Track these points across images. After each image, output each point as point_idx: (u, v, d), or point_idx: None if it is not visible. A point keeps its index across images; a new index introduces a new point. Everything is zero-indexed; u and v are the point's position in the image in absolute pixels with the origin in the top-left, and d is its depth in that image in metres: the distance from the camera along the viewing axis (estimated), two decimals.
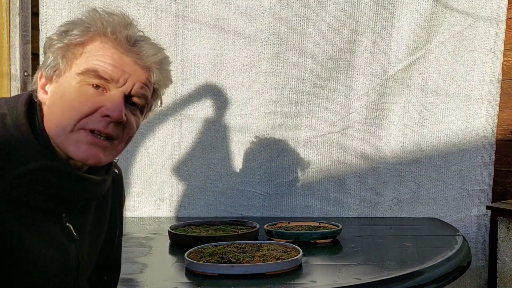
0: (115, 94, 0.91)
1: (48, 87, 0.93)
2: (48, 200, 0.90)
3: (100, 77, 0.89)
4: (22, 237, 0.87)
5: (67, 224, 0.95)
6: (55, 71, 0.92)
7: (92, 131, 0.90)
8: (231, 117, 2.59)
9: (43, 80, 0.94)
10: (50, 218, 0.93)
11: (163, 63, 0.98)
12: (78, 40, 0.91)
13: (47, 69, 0.93)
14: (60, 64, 0.91)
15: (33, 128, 0.90)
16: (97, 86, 0.90)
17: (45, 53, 0.95)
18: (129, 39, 0.93)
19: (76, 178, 0.93)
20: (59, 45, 0.91)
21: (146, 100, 0.97)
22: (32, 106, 0.93)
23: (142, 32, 0.97)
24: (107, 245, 1.13)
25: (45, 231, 0.92)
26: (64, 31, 0.92)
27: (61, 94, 0.91)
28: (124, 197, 1.22)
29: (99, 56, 0.90)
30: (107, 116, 0.90)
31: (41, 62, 0.97)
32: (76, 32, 0.91)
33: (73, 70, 0.91)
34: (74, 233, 0.97)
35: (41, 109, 0.93)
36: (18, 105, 0.91)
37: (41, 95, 0.93)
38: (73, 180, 0.92)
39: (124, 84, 0.92)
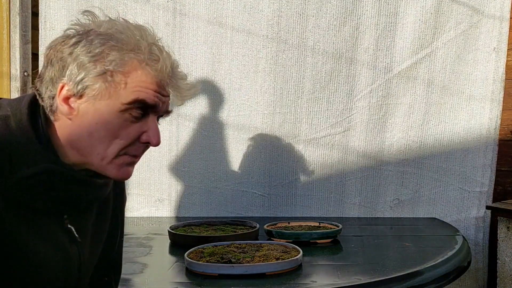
0: (152, 120, 0.94)
1: (75, 103, 0.90)
2: (50, 202, 0.90)
3: (145, 107, 0.91)
4: (23, 238, 0.87)
5: (69, 226, 0.96)
6: (86, 89, 0.89)
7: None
8: (230, 117, 2.58)
9: (67, 92, 0.90)
10: (51, 220, 0.93)
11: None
12: (119, 69, 0.89)
13: (77, 85, 0.89)
14: (98, 88, 0.89)
15: (36, 131, 0.89)
16: (139, 114, 0.91)
17: (62, 60, 0.90)
18: (170, 72, 0.94)
19: (79, 181, 0.93)
20: (95, 70, 0.88)
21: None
22: (34, 108, 0.92)
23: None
24: (108, 246, 1.13)
25: (46, 232, 0.92)
26: (99, 53, 0.88)
27: (100, 119, 0.89)
28: (125, 198, 1.22)
29: (144, 86, 0.90)
30: (148, 142, 0.94)
31: (40, 63, 0.95)
32: (117, 59, 0.89)
33: (116, 99, 0.89)
34: (76, 235, 0.97)
35: (45, 113, 0.92)
36: (22, 107, 0.90)
37: (63, 109, 0.90)
38: (75, 183, 0.92)
39: (160, 110, 0.95)
